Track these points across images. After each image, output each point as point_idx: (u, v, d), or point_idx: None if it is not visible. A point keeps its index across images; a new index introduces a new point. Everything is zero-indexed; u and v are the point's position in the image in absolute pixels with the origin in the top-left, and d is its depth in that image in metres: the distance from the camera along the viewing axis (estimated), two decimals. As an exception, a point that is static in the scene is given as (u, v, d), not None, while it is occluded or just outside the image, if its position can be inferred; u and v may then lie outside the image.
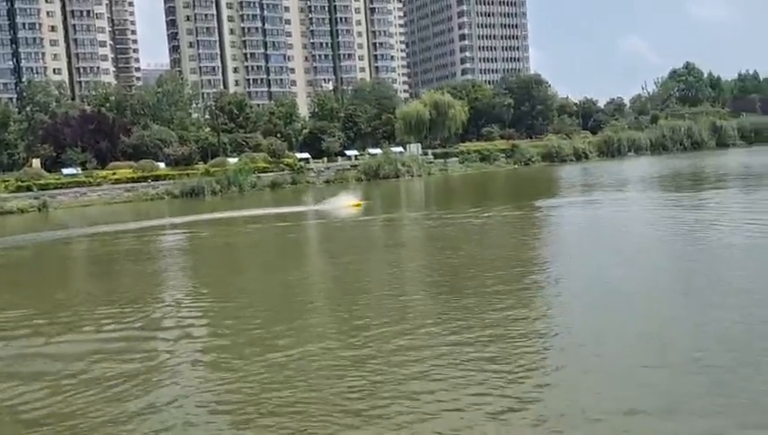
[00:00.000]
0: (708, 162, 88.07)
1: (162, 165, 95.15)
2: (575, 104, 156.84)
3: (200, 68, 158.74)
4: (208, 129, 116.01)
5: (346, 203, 52.76)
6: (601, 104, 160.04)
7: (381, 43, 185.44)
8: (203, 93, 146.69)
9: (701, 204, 39.80)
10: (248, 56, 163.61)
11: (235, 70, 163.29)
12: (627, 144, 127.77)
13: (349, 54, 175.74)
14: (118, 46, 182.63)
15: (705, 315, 15.24)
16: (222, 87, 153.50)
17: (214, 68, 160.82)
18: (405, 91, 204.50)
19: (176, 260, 32.77)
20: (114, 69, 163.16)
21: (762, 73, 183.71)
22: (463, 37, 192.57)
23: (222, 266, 29.39)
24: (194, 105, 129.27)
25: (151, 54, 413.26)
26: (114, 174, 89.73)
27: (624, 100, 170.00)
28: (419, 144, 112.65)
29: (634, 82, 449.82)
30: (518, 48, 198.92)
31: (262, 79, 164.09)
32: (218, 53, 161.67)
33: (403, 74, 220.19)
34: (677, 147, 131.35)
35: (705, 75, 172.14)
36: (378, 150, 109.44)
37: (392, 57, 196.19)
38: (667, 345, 13.39)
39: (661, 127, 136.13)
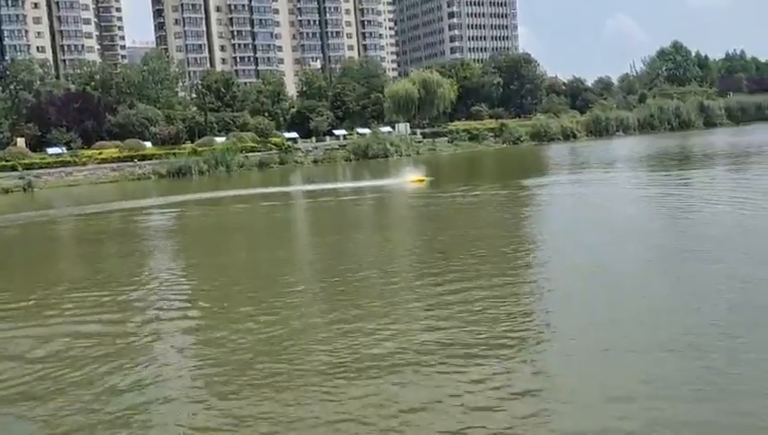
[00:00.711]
0: (696, 142, 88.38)
1: (148, 144, 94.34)
2: (564, 83, 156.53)
3: (186, 46, 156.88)
4: (195, 108, 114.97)
5: (409, 178, 51.80)
6: (590, 83, 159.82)
7: (369, 21, 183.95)
8: (189, 72, 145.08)
9: (688, 183, 40.01)
10: (235, 34, 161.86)
11: (222, 48, 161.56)
12: (615, 124, 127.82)
13: (337, 32, 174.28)
14: (102, 24, 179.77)
15: (689, 293, 15.39)
16: (208, 65, 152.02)
17: (200, 46, 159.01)
18: (393, 69, 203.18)
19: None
20: (99, 47, 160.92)
21: (749, 53, 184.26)
22: (452, 15, 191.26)
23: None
24: (180, 84, 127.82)
25: (136, 32, 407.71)
26: (100, 153, 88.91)
27: (612, 79, 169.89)
28: (408, 123, 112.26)
29: (623, 61, 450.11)
30: (507, 27, 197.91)
31: (249, 57, 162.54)
32: (204, 30, 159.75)
33: (392, 53, 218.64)
34: (665, 126, 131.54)
35: (693, 55, 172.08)
36: (366, 130, 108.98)
37: (380, 35, 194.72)
38: (656, 320, 13.49)
39: (649, 106, 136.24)
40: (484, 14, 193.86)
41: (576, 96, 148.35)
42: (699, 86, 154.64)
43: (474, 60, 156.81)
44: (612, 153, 78.45)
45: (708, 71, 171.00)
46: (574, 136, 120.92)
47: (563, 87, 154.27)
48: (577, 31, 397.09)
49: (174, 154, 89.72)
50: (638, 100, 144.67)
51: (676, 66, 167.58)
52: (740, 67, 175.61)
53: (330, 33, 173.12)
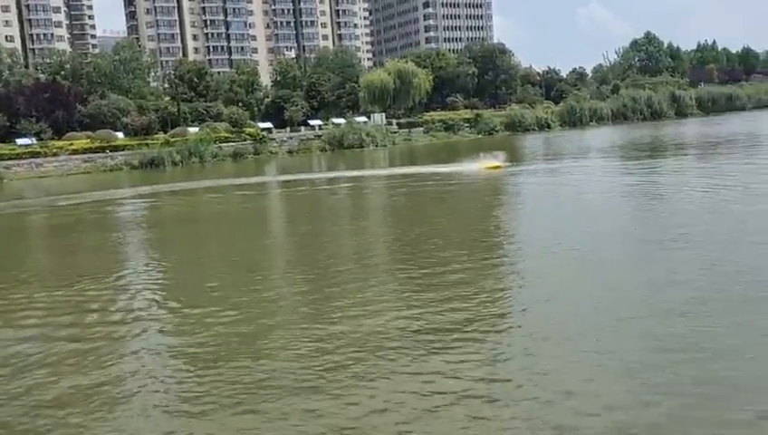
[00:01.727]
0: (667, 132, 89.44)
1: (120, 135, 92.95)
2: (538, 74, 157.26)
3: (158, 35, 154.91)
4: (168, 98, 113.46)
5: (485, 164, 49.14)
6: (564, 74, 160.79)
7: (344, 11, 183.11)
8: (161, 61, 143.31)
9: (660, 171, 40.55)
10: (208, 23, 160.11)
11: (195, 37, 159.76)
12: (589, 114, 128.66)
13: (311, 22, 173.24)
14: (72, 12, 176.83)
15: (656, 277, 15.62)
16: (181, 55, 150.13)
17: (172, 35, 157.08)
18: (369, 59, 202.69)
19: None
20: (69, 36, 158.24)
21: (720, 44, 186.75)
22: (426, 5, 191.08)
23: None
24: (152, 73, 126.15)
25: (107, 21, 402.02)
26: (71, 144, 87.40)
27: (586, 69, 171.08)
28: (384, 114, 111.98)
29: (596, 51, 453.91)
30: (482, 17, 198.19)
31: (222, 46, 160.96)
32: (177, 19, 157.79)
33: (367, 42, 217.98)
34: (638, 116, 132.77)
35: (665, 45, 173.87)
36: (342, 120, 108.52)
37: (355, 25, 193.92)
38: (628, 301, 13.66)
39: (622, 97, 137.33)
40: (459, 4, 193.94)
41: (550, 86, 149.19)
42: (671, 76, 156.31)
43: (449, 50, 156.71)
44: (587, 143, 79.08)
45: (680, 61, 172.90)
46: (548, 126, 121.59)
47: (538, 77, 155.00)
48: (551, 21, 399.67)
49: (146, 145, 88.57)
50: (611, 90, 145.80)
51: (648, 57, 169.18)
52: (711, 58, 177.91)
53: (304, 23, 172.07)
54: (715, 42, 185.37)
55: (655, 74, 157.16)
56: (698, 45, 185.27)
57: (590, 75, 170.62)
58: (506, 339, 12.57)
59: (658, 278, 15.82)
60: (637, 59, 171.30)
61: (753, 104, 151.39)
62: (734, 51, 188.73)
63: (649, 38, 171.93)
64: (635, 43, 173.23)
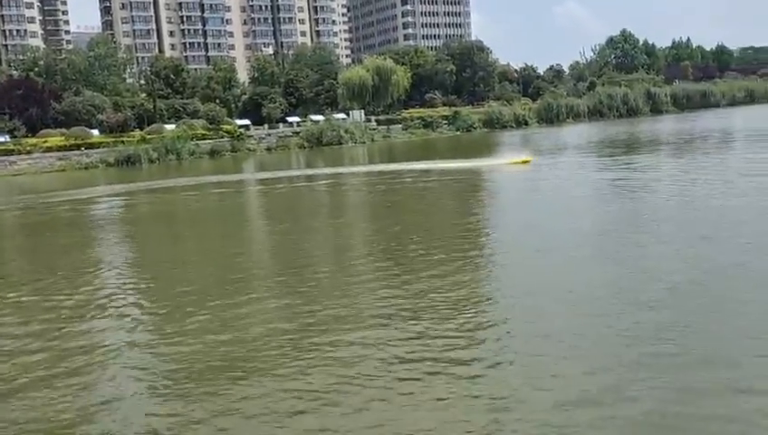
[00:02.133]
0: (643, 128, 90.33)
1: (96, 132, 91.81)
2: (516, 71, 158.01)
3: (134, 31, 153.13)
4: (144, 94, 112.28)
5: (513, 159, 47.75)
6: (541, 71, 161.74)
7: (322, 7, 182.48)
8: (137, 58, 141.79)
9: (635, 166, 40.92)
10: (184, 19, 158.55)
11: (171, 33, 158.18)
12: (565, 111, 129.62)
13: (289, 18, 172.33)
14: (46, 8, 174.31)
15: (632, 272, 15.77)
16: (157, 51, 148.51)
17: (148, 31, 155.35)
18: (347, 56, 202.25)
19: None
20: (42, 32, 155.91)
21: (694, 41, 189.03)
22: (405, 2, 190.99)
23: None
24: (128, 70, 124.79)
25: (81, 17, 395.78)
26: (45, 142, 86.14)
27: (563, 66, 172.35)
28: (362, 111, 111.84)
29: (573, 48, 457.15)
30: (460, 14, 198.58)
31: (199, 43, 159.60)
32: (152, 15, 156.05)
33: (345, 39, 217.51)
34: (614, 113, 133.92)
35: (641, 43, 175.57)
36: (320, 117, 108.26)
37: (333, 21, 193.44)
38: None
39: (598, 94, 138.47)
40: (437, 2, 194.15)
41: (528, 84, 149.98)
42: (646, 73, 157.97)
43: (427, 47, 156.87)
44: (563, 140, 79.64)
45: (655, 59, 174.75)
46: (526, 123, 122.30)
47: (515, 74, 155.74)
48: (529, 18, 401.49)
49: (122, 142, 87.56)
50: (587, 87, 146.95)
51: (624, 54, 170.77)
52: (686, 55, 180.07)
53: (282, 19, 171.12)
54: (689, 39, 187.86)
55: (630, 71, 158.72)
56: (673, 43, 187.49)
57: (567, 72, 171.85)
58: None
59: (633, 272, 15.99)
60: (613, 56, 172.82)
61: (727, 101, 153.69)
62: (708, 48, 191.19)
63: (625, 36, 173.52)
64: (611, 40, 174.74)
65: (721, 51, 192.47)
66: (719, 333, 11.81)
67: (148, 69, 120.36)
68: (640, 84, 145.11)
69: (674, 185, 31.31)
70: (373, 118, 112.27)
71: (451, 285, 15.86)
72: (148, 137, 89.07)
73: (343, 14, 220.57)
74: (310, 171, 60.22)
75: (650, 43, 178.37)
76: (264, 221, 33.08)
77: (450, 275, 16.71)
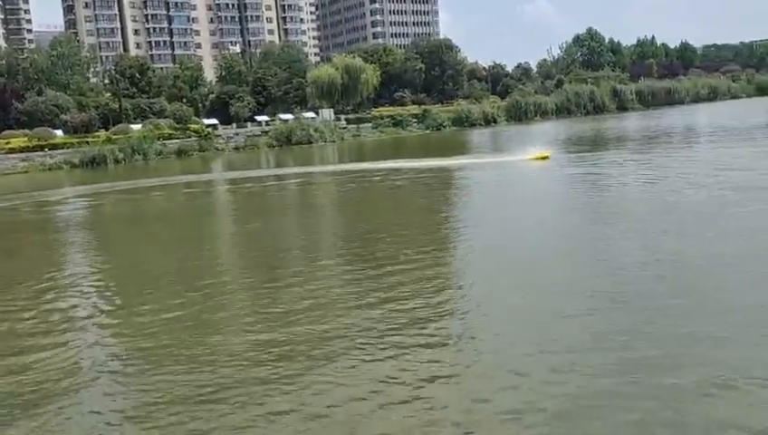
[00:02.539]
0: (609, 125, 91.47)
1: (59, 133, 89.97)
2: (484, 69, 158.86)
3: (97, 30, 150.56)
4: (108, 94, 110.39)
5: (530, 155, 45.67)
6: (510, 69, 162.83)
7: (290, 5, 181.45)
8: (101, 57, 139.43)
9: (602, 163, 41.35)
10: (149, 17, 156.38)
11: (136, 32, 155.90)
12: (534, 108, 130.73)
13: (256, 16, 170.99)
14: (7, 7, 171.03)
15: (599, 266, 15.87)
16: (122, 50, 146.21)
17: (112, 30, 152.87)
18: (316, 54, 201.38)
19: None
20: (4, 31, 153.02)
21: (659, 39, 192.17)
22: (373, 0, 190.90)
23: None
24: (92, 69, 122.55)
25: (44, 16, 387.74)
26: (8, 143, 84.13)
27: (531, 64, 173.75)
28: (332, 109, 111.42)
29: (540, 47, 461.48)
30: (428, 12, 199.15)
31: (165, 41, 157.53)
32: (116, 14, 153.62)
33: (313, 37, 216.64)
34: (581, 111, 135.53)
35: (607, 41, 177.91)
36: (289, 116, 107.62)
37: (302, 20, 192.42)
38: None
39: (566, 91, 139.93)
40: (405, 0, 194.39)
41: (496, 82, 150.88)
42: (612, 71, 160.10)
43: (396, 45, 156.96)
44: (532, 137, 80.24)
45: (621, 56, 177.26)
46: (495, 121, 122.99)
47: (484, 73, 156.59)
48: (496, 17, 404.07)
49: (87, 143, 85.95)
50: (555, 85, 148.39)
51: (590, 52, 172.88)
52: (650, 53, 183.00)
53: (249, 17, 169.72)
54: (654, 37, 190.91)
55: (597, 69, 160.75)
56: (638, 41, 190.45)
57: (535, 70, 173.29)
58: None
59: (598, 266, 16.09)
60: (579, 54, 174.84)
61: (692, 98, 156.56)
62: (672, 46, 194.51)
63: (591, 34, 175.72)
64: (578, 38, 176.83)
65: (685, 48, 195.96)
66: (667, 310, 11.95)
67: (113, 68, 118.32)
68: (606, 82, 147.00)
69: (639, 180, 31.71)
70: (343, 117, 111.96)
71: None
72: (114, 137, 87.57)
73: (311, 13, 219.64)
74: (280, 171, 59.74)
75: (616, 41, 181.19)
76: (233, 221, 32.68)
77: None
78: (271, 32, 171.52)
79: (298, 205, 37.01)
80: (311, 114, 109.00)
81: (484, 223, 24.71)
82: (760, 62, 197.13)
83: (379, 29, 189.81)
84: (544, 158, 44.79)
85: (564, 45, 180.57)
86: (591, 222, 22.93)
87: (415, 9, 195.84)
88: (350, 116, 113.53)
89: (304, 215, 32.24)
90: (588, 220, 23.44)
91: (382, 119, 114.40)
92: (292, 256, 21.30)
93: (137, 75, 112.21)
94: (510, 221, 24.31)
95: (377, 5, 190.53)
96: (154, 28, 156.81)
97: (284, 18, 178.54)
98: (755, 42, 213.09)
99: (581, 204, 27.41)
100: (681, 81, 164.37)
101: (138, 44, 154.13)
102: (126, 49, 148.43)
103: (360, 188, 39.49)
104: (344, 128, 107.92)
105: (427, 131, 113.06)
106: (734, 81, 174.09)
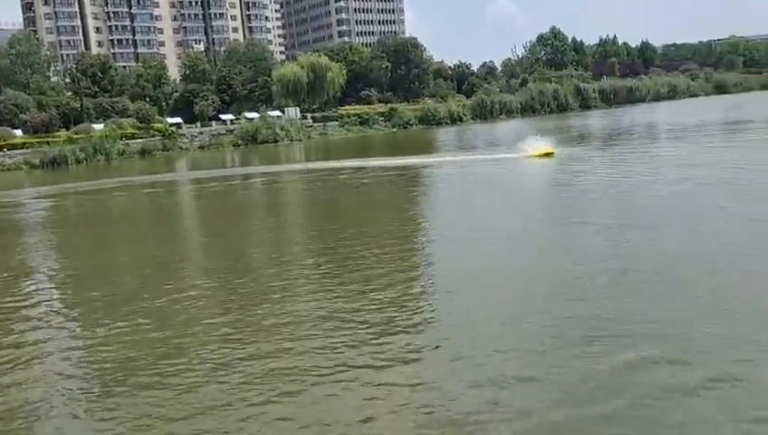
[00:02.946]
0: (573, 123, 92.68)
1: (19, 132, 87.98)
2: (450, 68, 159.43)
3: (58, 28, 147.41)
4: (69, 93, 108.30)
5: (533, 151, 43.16)
6: (475, 68, 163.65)
7: (254, 3, 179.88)
8: (62, 55, 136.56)
9: (566, 160, 41.91)
10: (111, 15, 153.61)
11: (97, 30, 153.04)
12: (499, 107, 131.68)
13: (220, 14, 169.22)
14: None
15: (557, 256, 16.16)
16: (83, 48, 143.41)
17: (73, 28, 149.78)
18: (281, 53, 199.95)
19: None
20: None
21: (620, 39, 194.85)
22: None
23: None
24: (52, 68, 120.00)
25: (2, 13, 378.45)
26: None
27: (496, 63, 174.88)
28: (298, 108, 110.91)
29: (505, 46, 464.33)
30: (393, 11, 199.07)
31: (127, 39, 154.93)
32: (77, 11, 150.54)
33: (279, 36, 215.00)
34: (545, 109, 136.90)
35: (570, 40, 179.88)
36: (255, 114, 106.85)
37: (266, 18, 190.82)
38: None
39: (530, 90, 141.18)
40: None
41: (462, 80, 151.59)
42: (575, 70, 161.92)
43: (362, 44, 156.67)
44: (497, 135, 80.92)
45: (583, 55, 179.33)
46: (461, 119, 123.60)
47: (450, 72, 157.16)
48: (462, 16, 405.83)
49: (47, 143, 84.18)
50: (519, 84, 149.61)
51: (554, 51, 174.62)
52: (612, 52, 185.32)
53: (213, 15, 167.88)
54: (615, 37, 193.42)
55: (560, 68, 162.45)
56: (600, 40, 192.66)
57: (500, 69, 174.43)
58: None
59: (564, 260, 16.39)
60: (543, 53, 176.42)
61: (652, 96, 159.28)
62: (633, 45, 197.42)
63: (555, 33, 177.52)
64: (541, 37, 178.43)
65: (645, 48, 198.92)
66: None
67: (74, 67, 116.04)
68: (570, 81, 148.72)
69: (603, 176, 32.24)
70: (309, 115, 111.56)
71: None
72: (75, 137, 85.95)
73: (276, 11, 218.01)
74: (246, 170, 59.31)
75: (579, 40, 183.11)
76: (197, 222, 32.43)
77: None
78: (235, 30, 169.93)
79: (266, 204, 36.84)
80: (276, 113, 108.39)
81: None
82: (718, 61, 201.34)
83: (344, 27, 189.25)
84: (548, 154, 42.39)
85: (528, 45, 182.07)
86: (556, 217, 23.26)
87: (380, 8, 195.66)
88: (317, 114, 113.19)
89: (274, 214, 32.11)
90: (554, 215, 23.77)
91: (349, 117, 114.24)
92: (257, 257, 21.23)
93: (99, 74, 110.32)
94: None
95: (342, 4, 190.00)
96: (116, 26, 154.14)
97: (249, 16, 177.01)
98: (713, 41, 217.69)
99: (547, 201, 27.79)
100: (642, 79, 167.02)
101: (99, 43, 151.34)
102: (87, 47, 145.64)
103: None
104: (310, 126, 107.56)
105: (394, 130, 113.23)
106: (693, 79, 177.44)
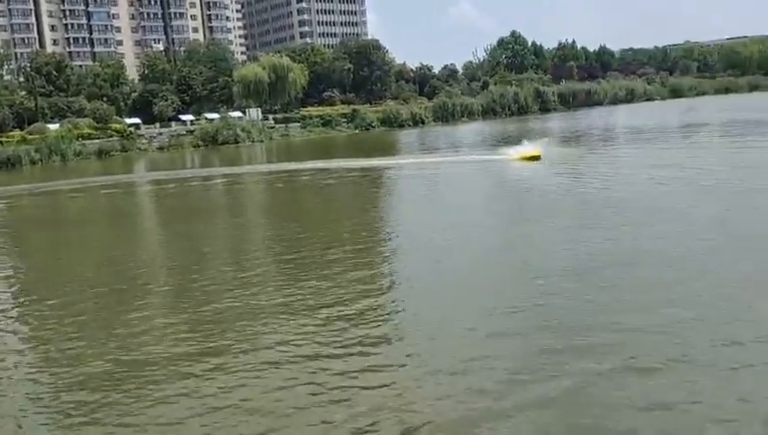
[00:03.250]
0: (534, 126, 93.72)
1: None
2: (412, 70, 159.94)
3: (11, 25, 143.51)
4: (23, 92, 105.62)
5: (519, 154, 41.21)
6: (436, 70, 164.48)
7: (215, 3, 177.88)
8: (16, 53, 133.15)
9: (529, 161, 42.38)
10: (67, 13, 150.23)
11: (53, 28, 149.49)
12: (460, 109, 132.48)
13: (180, 13, 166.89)
14: None
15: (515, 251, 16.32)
16: (38, 46, 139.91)
17: (27, 25, 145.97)
18: (242, 53, 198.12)
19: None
20: None
21: (579, 43, 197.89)
22: None
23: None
24: (5, 66, 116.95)
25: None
26: None
27: (457, 66, 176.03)
28: (259, 109, 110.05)
29: (467, 48, 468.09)
30: (356, 12, 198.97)
31: (84, 38, 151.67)
32: (32, 9, 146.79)
33: (240, 36, 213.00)
34: (506, 112, 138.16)
35: (530, 44, 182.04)
36: (215, 115, 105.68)
37: (227, 18, 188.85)
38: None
39: (491, 93, 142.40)
40: (333, 0, 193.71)
41: (424, 83, 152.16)
42: (535, 73, 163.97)
43: (324, 45, 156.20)
44: (459, 138, 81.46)
45: (543, 59, 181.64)
46: (423, 122, 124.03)
47: (412, 74, 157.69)
48: (423, 18, 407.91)
49: (0, 143, 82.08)
50: (480, 87, 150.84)
51: (514, 55, 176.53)
52: (571, 56, 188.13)
53: (172, 14, 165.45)
54: (574, 41, 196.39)
55: (521, 71, 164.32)
56: (559, 44, 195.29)
57: (461, 72, 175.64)
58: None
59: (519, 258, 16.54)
60: (504, 56, 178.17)
61: (610, 100, 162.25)
62: (591, 49, 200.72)
63: (515, 37, 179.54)
64: (502, 41, 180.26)
65: (603, 52, 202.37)
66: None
67: (28, 65, 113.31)
68: (530, 84, 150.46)
69: (564, 177, 32.67)
70: (270, 116, 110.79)
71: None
72: (30, 137, 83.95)
73: (237, 11, 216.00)
74: (206, 171, 58.58)
75: (539, 44, 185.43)
76: (155, 224, 31.89)
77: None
78: (195, 30, 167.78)
79: (226, 206, 36.41)
80: (237, 114, 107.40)
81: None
82: (673, 66, 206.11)
83: (306, 28, 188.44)
84: (535, 158, 40.43)
85: (489, 48, 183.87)
86: (516, 218, 23.43)
87: (342, 9, 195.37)
88: (278, 115, 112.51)
89: (233, 216, 31.73)
90: (514, 216, 23.95)
91: (311, 118, 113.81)
92: (215, 259, 20.96)
93: (54, 73, 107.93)
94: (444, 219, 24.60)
95: (304, 5, 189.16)
96: (72, 24, 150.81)
97: (209, 16, 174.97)
98: (669, 46, 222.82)
99: (508, 203, 28.01)
100: (600, 83, 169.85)
101: (55, 41, 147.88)
102: (42, 45, 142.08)
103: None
104: (272, 127, 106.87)
105: (356, 131, 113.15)
106: (649, 83, 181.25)
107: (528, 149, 41.96)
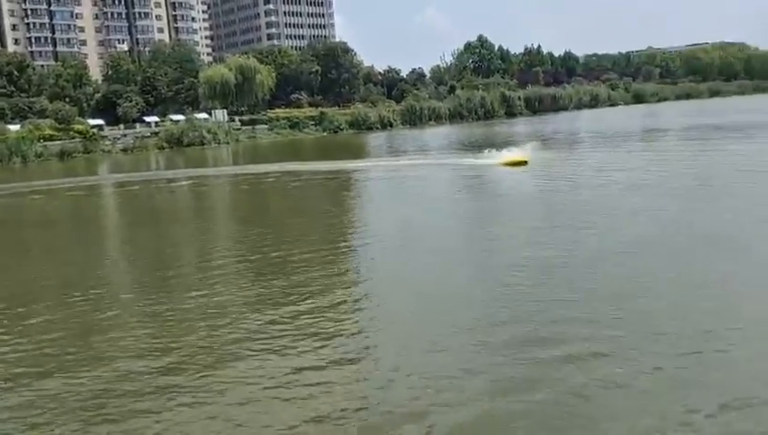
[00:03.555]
0: (500, 130, 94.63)
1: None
2: (380, 73, 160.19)
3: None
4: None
5: (504, 159, 39.91)
6: (404, 74, 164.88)
7: (181, 3, 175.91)
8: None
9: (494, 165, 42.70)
10: (29, 12, 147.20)
11: (14, 27, 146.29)
12: (428, 113, 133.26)
13: (145, 13, 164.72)
14: None
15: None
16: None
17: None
18: (208, 54, 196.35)
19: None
20: None
21: (544, 49, 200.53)
22: (267, 1, 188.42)
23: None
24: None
25: None
26: None
27: (425, 70, 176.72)
28: (225, 110, 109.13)
29: (434, 52, 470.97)
30: (323, 15, 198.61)
31: (46, 37, 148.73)
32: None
33: (206, 37, 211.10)
34: (473, 116, 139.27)
35: (497, 49, 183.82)
36: (181, 117, 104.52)
37: (193, 18, 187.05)
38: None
39: (458, 97, 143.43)
40: (300, 2, 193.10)
41: (392, 86, 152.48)
42: (502, 78, 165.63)
43: (291, 47, 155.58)
44: (427, 141, 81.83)
45: (509, 64, 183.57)
46: (391, 125, 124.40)
47: (380, 77, 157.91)
48: (391, 22, 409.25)
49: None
50: (448, 91, 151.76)
51: (481, 59, 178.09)
52: (537, 61, 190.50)
53: (137, 14, 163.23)
54: (540, 46, 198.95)
55: (487, 76, 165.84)
56: (526, 49, 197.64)
57: (429, 76, 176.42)
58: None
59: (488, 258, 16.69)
60: (471, 61, 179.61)
61: (575, 105, 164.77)
62: (557, 54, 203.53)
63: (482, 41, 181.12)
64: (469, 45, 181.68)
65: (568, 57, 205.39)
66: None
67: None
68: (496, 88, 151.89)
69: (530, 180, 33.05)
70: (237, 118, 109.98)
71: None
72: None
73: (204, 11, 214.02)
74: (171, 173, 57.86)
75: (505, 49, 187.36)
76: (118, 227, 31.43)
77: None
78: (161, 30, 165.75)
79: (191, 208, 36.04)
80: (203, 115, 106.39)
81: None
82: (636, 72, 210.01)
83: (273, 30, 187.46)
84: (521, 163, 39.26)
85: (456, 52, 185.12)
86: (483, 221, 23.63)
87: (310, 11, 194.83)
88: (245, 117, 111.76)
89: (197, 218, 31.42)
90: (482, 219, 24.15)
91: (278, 120, 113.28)
92: (177, 259, 20.75)
93: (15, 73, 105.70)
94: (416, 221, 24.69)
95: (271, 6, 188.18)
96: (34, 23, 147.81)
97: (175, 17, 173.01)
98: (632, 52, 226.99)
99: (475, 205, 28.21)
100: (566, 88, 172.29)
101: (16, 40, 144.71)
102: (3, 45, 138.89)
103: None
104: (239, 129, 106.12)
105: (324, 134, 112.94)
106: (612, 89, 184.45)
107: (515, 154, 41.21)
